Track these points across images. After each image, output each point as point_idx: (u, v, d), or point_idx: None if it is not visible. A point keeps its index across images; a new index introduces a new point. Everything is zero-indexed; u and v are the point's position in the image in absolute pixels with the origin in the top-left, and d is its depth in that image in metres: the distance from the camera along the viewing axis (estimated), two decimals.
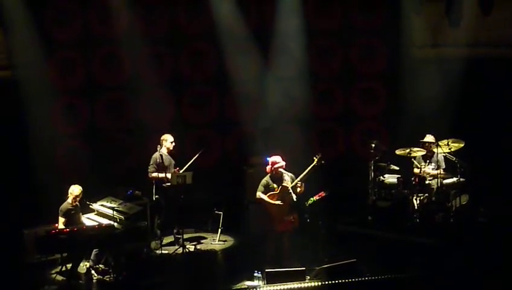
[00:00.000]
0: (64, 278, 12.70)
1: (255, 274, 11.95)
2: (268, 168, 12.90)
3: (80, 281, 12.79)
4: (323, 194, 13.04)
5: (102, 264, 13.06)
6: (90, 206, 13.39)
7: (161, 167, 14.23)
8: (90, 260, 12.99)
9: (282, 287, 11.28)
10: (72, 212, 12.85)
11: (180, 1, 17.01)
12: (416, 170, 15.12)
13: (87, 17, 16.50)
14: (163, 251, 14.06)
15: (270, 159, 12.89)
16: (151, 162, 14.31)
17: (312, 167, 12.79)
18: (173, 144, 14.52)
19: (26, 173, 15.47)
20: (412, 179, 15.03)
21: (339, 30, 17.55)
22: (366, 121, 17.62)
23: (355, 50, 17.66)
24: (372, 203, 15.47)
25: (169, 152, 14.55)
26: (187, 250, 14.12)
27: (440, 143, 14.80)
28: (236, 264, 13.54)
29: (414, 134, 15.54)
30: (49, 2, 16.25)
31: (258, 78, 16.87)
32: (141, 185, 14.61)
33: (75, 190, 12.86)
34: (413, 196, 14.87)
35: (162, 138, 14.52)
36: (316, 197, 12.99)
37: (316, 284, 11.41)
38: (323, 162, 12.87)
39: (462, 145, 14.81)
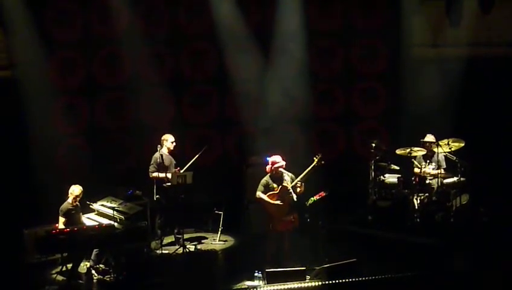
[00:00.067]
0: (65, 278, 12.69)
1: (256, 274, 11.98)
2: (268, 167, 12.89)
3: (80, 281, 12.78)
4: (324, 194, 13.03)
5: (102, 264, 13.07)
6: (91, 206, 13.40)
7: (162, 166, 14.23)
8: (90, 260, 12.99)
9: (282, 287, 11.26)
10: (73, 212, 12.84)
11: (180, 1, 17.01)
12: (416, 170, 15.12)
13: (87, 17, 16.49)
14: (163, 251, 14.06)
15: (270, 159, 12.88)
16: (151, 162, 14.31)
17: (312, 167, 12.78)
18: (174, 143, 14.52)
19: (26, 173, 15.45)
20: (412, 178, 15.03)
21: (339, 30, 17.55)
22: (366, 121, 17.62)
23: (355, 50, 17.67)
24: (373, 203, 15.48)
25: (170, 152, 14.55)
26: (187, 250, 14.12)
27: (440, 143, 14.81)
28: (236, 264, 13.53)
29: (414, 134, 15.54)
30: (49, 2, 16.25)
31: (258, 78, 16.85)
32: (141, 185, 14.63)
33: (75, 189, 12.85)
34: (413, 196, 14.87)
35: (162, 138, 14.52)
36: (316, 197, 12.99)
37: (316, 284, 11.39)
38: (323, 162, 12.86)
39: (463, 144, 14.82)
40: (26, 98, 15.64)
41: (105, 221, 13.06)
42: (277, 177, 12.84)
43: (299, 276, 11.59)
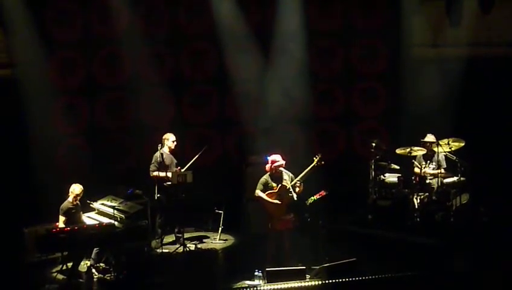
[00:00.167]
0: (65, 277, 12.68)
1: (256, 273, 11.99)
2: (267, 166, 12.88)
3: (81, 280, 12.78)
4: (324, 193, 13.01)
5: (103, 263, 13.08)
6: (91, 205, 13.39)
7: (162, 166, 14.23)
8: (90, 259, 12.99)
9: (282, 286, 11.25)
10: (73, 211, 12.84)
11: (180, 1, 17.02)
12: (416, 170, 15.12)
13: (87, 17, 16.51)
14: (163, 250, 14.05)
15: (270, 158, 12.87)
16: (152, 161, 14.32)
17: (311, 167, 12.78)
18: (175, 143, 14.54)
19: (26, 173, 15.45)
20: (413, 178, 15.04)
21: (339, 30, 17.56)
22: (366, 121, 17.62)
23: (355, 50, 17.68)
24: (373, 202, 15.49)
25: (171, 151, 14.56)
26: (187, 249, 14.11)
27: (441, 142, 14.82)
28: (236, 263, 13.52)
29: (414, 134, 15.55)
30: (49, 2, 16.28)
31: (258, 77, 16.86)
32: (141, 184, 14.62)
33: (75, 188, 12.86)
34: (413, 195, 14.87)
35: (163, 137, 14.53)
36: (316, 196, 12.96)
37: (317, 283, 11.37)
38: (322, 162, 12.85)
39: (463, 144, 14.83)
40: (26, 98, 15.66)
41: (105, 220, 13.07)
42: (276, 177, 12.83)
43: (299, 275, 11.59)
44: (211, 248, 14.52)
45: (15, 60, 15.84)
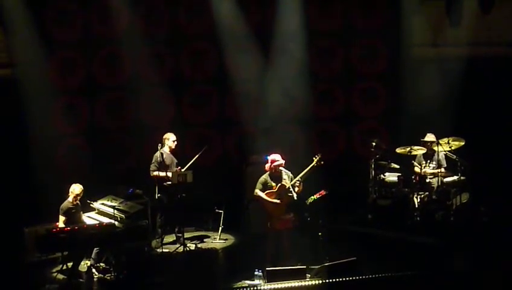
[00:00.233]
0: (65, 277, 12.67)
1: (256, 272, 11.98)
2: (267, 166, 12.89)
3: (81, 280, 12.77)
4: (324, 193, 13.03)
5: (103, 262, 13.07)
6: (91, 205, 13.39)
7: (162, 165, 14.23)
8: (91, 259, 12.99)
9: (282, 285, 11.26)
10: (73, 211, 12.84)
11: (180, 1, 17.02)
12: (416, 169, 15.13)
13: (87, 17, 16.49)
14: (164, 250, 14.04)
15: (270, 157, 12.88)
16: (152, 161, 14.33)
17: (311, 167, 12.78)
18: (175, 142, 14.55)
19: (26, 173, 15.44)
20: (413, 177, 15.05)
21: (339, 30, 17.56)
22: (366, 121, 17.63)
23: (355, 50, 17.69)
24: (373, 201, 15.50)
25: (172, 151, 14.57)
26: (188, 249, 14.11)
27: (440, 141, 14.83)
28: (236, 262, 13.53)
29: (414, 134, 15.55)
30: (49, 2, 16.26)
31: (258, 77, 16.85)
32: (141, 184, 14.61)
33: (75, 188, 12.86)
34: (413, 195, 14.88)
35: (164, 137, 14.55)
36: (316, 196, 12.98)
37: (317, 282, 11.39)
38: (322, 162, 12.85)
39: (463, 143, 14.86)
40: (26, 98, 15.64)
41: (105, 220, 13.07)
42: (276, 176, 12.84)
43: (299, 274, 11.61)
44: (211, 248, 14.52)
45: (15, 60, 15.83)
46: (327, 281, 11.36)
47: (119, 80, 16.65)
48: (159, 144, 14.29)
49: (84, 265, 13.04)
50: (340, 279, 11.34)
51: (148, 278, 12.82)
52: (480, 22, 16.75)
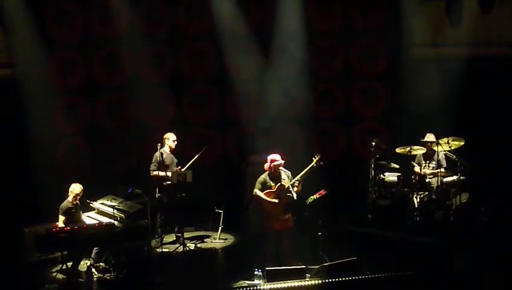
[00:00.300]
0: (65, 277, 12.67)
1: (256, 272, 11.95)
2: (266, 165, 12.90)
3: (81, 280, 12.77)
4: (324, 193, 13.03)
5: (102, 262, 13.08)
6: (91, 204, 13.39)
7: (162, 165, 14.24)
8: (90, 259, 12.99)
9: (282, 285, 11.25)
10: (73, 210, 12.84)
11: (180, 1, 17.02)
12: (416, 169, 15.13)
13: (87, 17, 16.49)
14: (163, 249, 14.04)
15: (269, 157, 12.88)
16: (152, 160, 14.33)
17: (310, 168, 12.78)
18: (175, 142, 14.55)
19: (26, 173, 15.43)
20: (412, 177, 15.05)
21: (339, 30, 17.55)
22: (366, 121, 17.62)
23: (355, 50, 17.67)
24: (372, 201, 15.50)
25: (172, 150, 14.57)
26: (187, 248, 14.11)
27: (440, 141, 14.83)
28: (236, 262, 13.51)
29: (414, 134, 15.55)
30: (49, 2, 16.26)
31: (258, 77, 16.85)
32: (141, 184, 14.61)
33: (75, 188, 12.86)
34: (413, 194, 14.87)
35: (164, 136, 14.56)
36: (316, 196, 12.99)
37: (316, 282, 11.38)
38: (321, 163, 12.85)
39: (463, 143, 14.87)
40: (26, 98, 15.65)
41: (105, 219, 13.06)
42: (275, 176, 12.85)
43: (299, 274, 11.59)
44: (211, 248, 14.51)
45: (15, 60, 15.83)
46: (327, 281, 11.33)
47: (119, 80, 16.65)
48: (159, 144, 14.28)
49: (83, 265, 13.04)
50: (340, 279, 11.30)
51: (147, 278, 12.80)
52: (480, 22, 16.74)
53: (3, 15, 15.53)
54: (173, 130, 14.81)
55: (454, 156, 14.79)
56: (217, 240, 14.78)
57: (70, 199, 12.83)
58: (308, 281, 11.47)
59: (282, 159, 12.87)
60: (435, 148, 14.94)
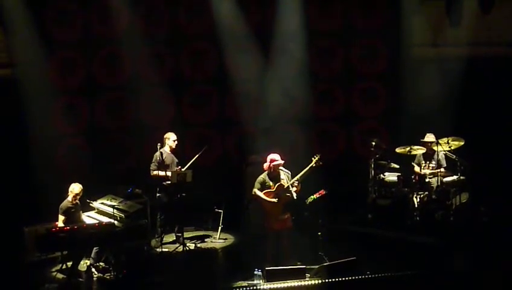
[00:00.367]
0: (65, 276, 12.67)
1: (255, 272, 11.92)
2: (266, 165, 12.90)
3: (80, 279, 12.76)
4: (323, 193, 13.03)
5: (102, 262, 13.08)
6: (91, 204, 13.38)
7: (162, 165, 14.24)
8: (90, 258, 12.99)
9: (282, 285, 11.26)
10: (72, 210, 12.84)
11: (180, 1, 17.02)
12: (416, 169, 15.13)
13: (87, 17, 16.50)
14: (163, 249, 14.04)
15: (269, 157, 12.89)
16: (152, 160, 14.33)
17: (309, 168, 12.79)
18: (176, 142, 14.56)
19: (26, 173, 15.44)
20: (412, 177, 15.05)
21: (339, 30, 17.56)
22: (366, 121, 17.62)
23: (355, 50, 17.68)
24: (372, 201, 15.51)
25: (172, 150, 14.58)
26: (187, 248, 14.11)
27: (440, 141, 14.83)
28: (236, 262, 13.51)
29: (414, 134, 15.55)
30: (49, 2, 16.27)
31: (258, 77, 16.85)
32: (141, 184, 14.60)
33: (75, 188, 12.86)
34: (413, 194, 14.88)
35: (165, 136, 14.57)
36: (316, 195, 12.99)
37: (316, 282, 11.39)
38: (321, 163, 12.85)
39: (462, 143, 14.87)
40: (26, 98, 15.65)
41: (105, 219, 13.06)
42: (274, 176, 12.86)
43: (299, 274, 11.60)
44: (211, 247, 14.51)
45: (15, 60, 15.84)
46: (327, 280, 11.33)
47: (119, 80, 16.66)
48: (158, 144, 14.28)
49: (83, 264, 13.03)
50: (340, 279, 11.30)
51: (147, 278, 12.79)
52: (480, 22, 16.75)
53: (3, 15, 15.54)
54: (173, 130, 14.80)
55: (454, 156, 14.79)
56: (217, 240, 14.78)
57: (70, 198, 12.84)
58: (307, 281, 11.49)
59: (282, 159, 12.87)
60: (435, 148, 14.94)
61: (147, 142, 15.36)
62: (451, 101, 16.37)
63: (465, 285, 11.61)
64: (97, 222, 13.00)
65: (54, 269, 12.93)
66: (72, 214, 12.81)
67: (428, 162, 15.10)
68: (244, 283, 12.05)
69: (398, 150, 15.19)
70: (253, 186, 12.93)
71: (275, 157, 12.82)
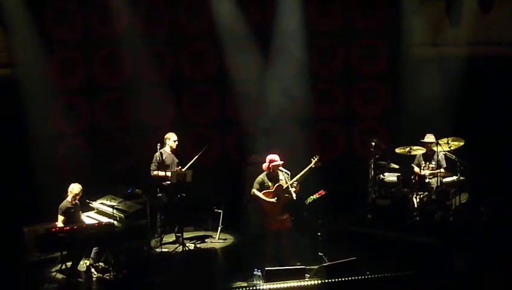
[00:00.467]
0: (64, 277, 12.67)
1: (255, 272, 11.92)
2: (265, 166, 12.90)
3: (80, 280, 12.74)
4: (323, 193, 13.03)
5: (102, 262, 13.06)
6: (90, 204, 13.38)
7: (162, 165, 14.25)
8: (90, 258, 12.98)
9: (282, 285, 11.26)
10: (72, 210, 12.84)
11: (180, 1, 17.02)
12: (416, 169, 15.12)
13: (87, 17, 16.50)
14: (163, 249, 14.04)
15: (268, 157, 12.89)
16: (153, 160, 14.33)
17: (309, 169, 12.79)
18: (176, 142, 14.57)
19: (26, 173, 15.43)
20: (412, 177, 15.04)
21: (339, 30, 17.56)
22: (366, 121, 17.62)
23: (355, 50, 17.68)
24: (372, 201, 15.50)
25: (173, 151, 14.59)
26: (187, 248, 14.11)
27: (440, 141, 14.83)
28: (236, 262, 13.50)
29: (414, 134, 15.55)
30: (49, 2, 16.27)
31: (258, 77, 16.86)
32: (141, 184, 14.60)
33: (74, 188, 12.86)
34: (413, 195, 14.87)
35: (165, 136, 14.59)
36: (315, 196, 12.98)
37: (316, 282, 11.39)
38: (320, 164, 12.85)
39: (462, 143, 14.86)
40: (26, 98, 15.65)
41: (105, 219, 13.05)
42: (273, 176, 12.87)
43: (298, 274, 11.62)
44: (210, 248, 14.51)
45: (15, 60, 15.84)
46: (327, 281, 11.33)
47: (119, 80, 16.66)
48: (158, 144, 14.27)
49: (83, 265, 13.02)
50: (340, 279, 11.30)
51: (147, 278, 12.78)
52: (480, 22, 16.74)
53: (3, 15, 15.54)
54: (173, 130, 14.81)
55: (454, 156, 14.78)
56: (217, 240, 14.78)
57: (69, 198, 12.84)
58: (307, 281, 11.50)
59: (281, 159, 12.87)
60: (435, 148, 14.94)
61: (147, 142, 15.34)
62: (451, 101, 16.37)
63: (465, 285, 11.62)
64: (97, 222, 13.00)
65: (53, 269, 12.93)
66: (71, 215, 12.81)
67: (428, 163, 15.09)
68: (244, 283, 12.06)
69: (397, 150, 15.18)
70: (252, 187, 12.92)
71: (274, 158, 12.82)
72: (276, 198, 12.72)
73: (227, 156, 17.22)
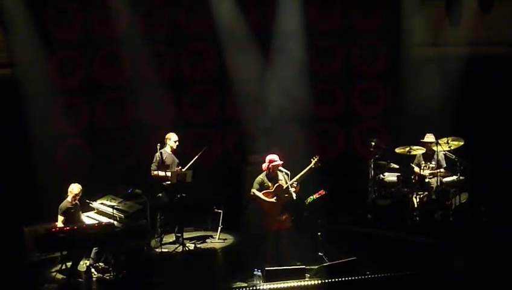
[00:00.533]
0: (64, 277, 12.67)
1: (255, 272, 11.92)
2: (264, 166, 12.91)
3: (80, 280, 12.75)
4: (323, 193, 13.03)
5: (102, 262, 13.07)
6: (90, 204, 13.38)
7: (162, 165, 14.25)
8: (90, 259, 12.99)
9: (282, 285, 11.25)
10: (72, 210, 12.85)
11: (180, 1, 17.02)
12: (416, 169, 15.12)
13: (87, 17, 16.49)
14: (163, 249, 14.04)
15: (268, 157, 12.89)
16: (153, 161, 14.33)
17: (308, 169, 12.79)
18: (177, 143, 14.57)
19: (26, 173, 15.43)
20: (412, 177, 15.04)
21: (339, 30, 17.56)
22: (366, 121, 17.61)
23: (355, 50, 17.68)
24: (372, 201, 15.50)
25: (173, 151, 14.58)
26: (187, 248, 14.11)
27: (440, 141, 14.83)
28: (236, 262, 13.49)
29: (414, 134, 15.54)
30: (49, 2, 16.26)
31: (258, 77, 16.85)
32: (141, 184, 14.59)
33: (74, 188, 12.86)
34: (413, 194, 14.87)
35: (166, 137, 14.59)
36: (315, 196, 12.99)
37: (316, 282, 11.38)
38: (319, 164, 12.84)
39: (462, 143, 14.86)
40: (26, 98, 15.64)
41: (105, 219, 13.06)
42: (273, 176, 12.87)
43: (298, 274, 11.61)
44: (210, 248, 14.51)
45: (15, 60, 15.84)
46: (327, 281, 11.33)
47: (119, 80, 16.65)
48: (158, 144, 14.28)
49: (83, 265, 13.03)
50: (340, 279, 11.30)
51: (147, 278, 12.80)
52: (480, 22, 16.73)
53: (3, 15, 15.53)
54: (173, 130, 14.81)
55: (454, 156, 14.78)
56: (217, 240, 14.78)
57: (69, 199, 12.84)
58: (307, 281, 11.48)
59: (281, 159, 12.87)
60: (435, 148, 14.94)
61: (147, 142, 15.34)
62: (451, 101, 16.36)
63: (465, 285, 11.61)
64: (97, 222, 13.00)
65: (53, 269, 12.94)
66: (71, 215, 12.82)
67: (428, 163, 15.09)
68: (244, 283, 12.06)
69: (397, 150, 15.18)
70: (252, 187, 12.92)
71: (274, 158, 12.82)
72: (276, 198, 12.73)
73: (227, 156, 17.22)
